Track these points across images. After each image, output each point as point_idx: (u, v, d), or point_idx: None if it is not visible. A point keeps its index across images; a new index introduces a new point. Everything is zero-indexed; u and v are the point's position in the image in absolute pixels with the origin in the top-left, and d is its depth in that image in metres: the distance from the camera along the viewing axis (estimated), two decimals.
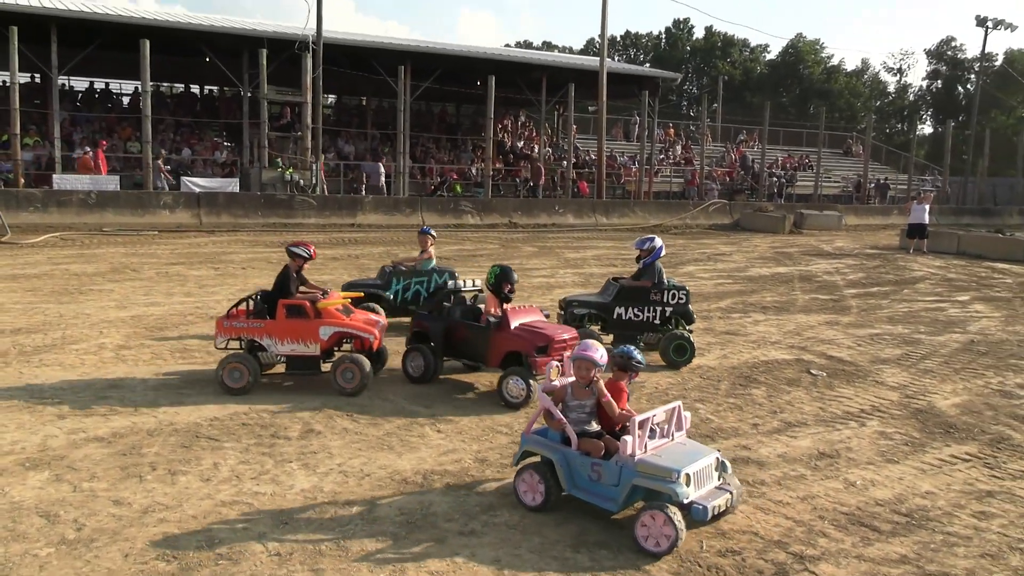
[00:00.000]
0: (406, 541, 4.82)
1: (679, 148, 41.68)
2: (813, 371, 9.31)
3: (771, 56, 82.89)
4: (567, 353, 6.76)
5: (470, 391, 8.00)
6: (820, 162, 39.92)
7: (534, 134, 39.71)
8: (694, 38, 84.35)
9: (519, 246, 21.63)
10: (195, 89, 37.59)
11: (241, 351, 7.82)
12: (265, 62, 24.82)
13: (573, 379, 5.49)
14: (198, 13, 34.27)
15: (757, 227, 30.19)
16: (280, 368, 8.15)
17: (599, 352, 5.35)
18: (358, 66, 29.70)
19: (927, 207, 25.01)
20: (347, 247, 19.80)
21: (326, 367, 7.85)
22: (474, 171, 32.60)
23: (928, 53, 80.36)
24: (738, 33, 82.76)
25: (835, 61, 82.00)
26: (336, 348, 8.10)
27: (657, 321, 9.51)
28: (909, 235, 24.71)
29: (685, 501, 4.79)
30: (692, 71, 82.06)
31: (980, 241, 25.17)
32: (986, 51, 52.32)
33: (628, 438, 4.95)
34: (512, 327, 7.73)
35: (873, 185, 42.03)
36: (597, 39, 34.04)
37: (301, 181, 25.40)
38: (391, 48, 30.61)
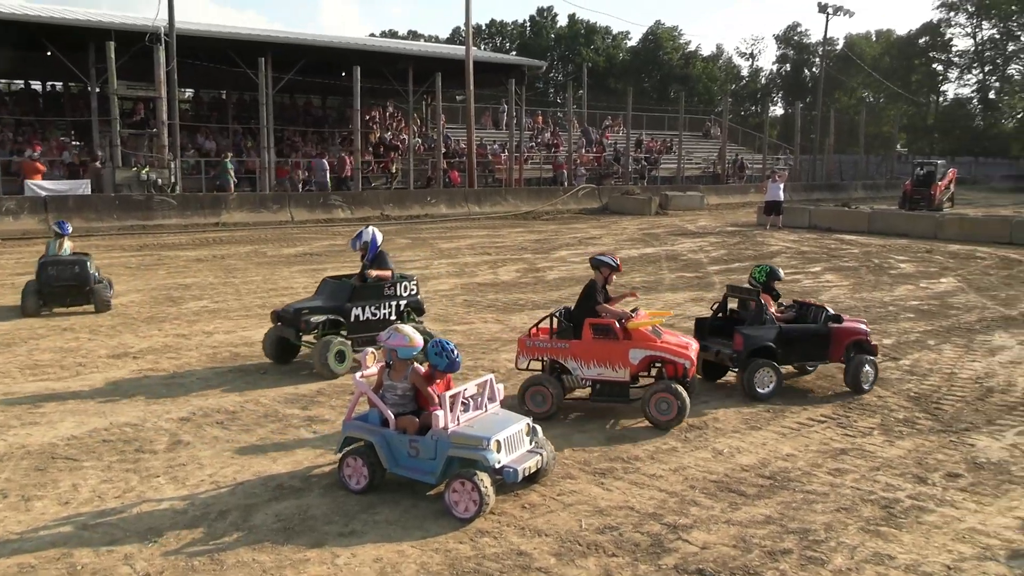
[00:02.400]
0: (285, 548, 4.71)
1: (547, 135, 42.24)
2: None
3: (632, 43, 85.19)
4: None
5: (350, 392, 7.87)
6: (682, 144, 41.33)
7: (403, 125, 39.33)
8: (558, 26, 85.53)
9: (392, 238, 21.39)
10: (36, 86, 35.19)
11: (542, 373, 7.18)
12: (113, 55, 23.47)
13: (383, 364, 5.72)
14: (35, 3, 31.91)
15: (625, 210, 31.00)
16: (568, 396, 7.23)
17: (397, 338, 5.52)
18: (215, 58, 28.54)
19: (781, 185, 26.33)
20: (212, 248, 19.07)
21: (635, 393, 7.05)
22: (334, 162, 31.97)
23: (776, 38, 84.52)
24: (600, 21, 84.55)
25: (692, 47, 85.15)
26: (645, 373, 7.22)
27: (393, 316, 8.74)
28: (765, 212, 25.96)
29: (497, 466, 5.09)
30: (557, 59, 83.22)
31: (829, 215, 26.74)
32: (828, 36, 55.44)
33: (440, 412, 5.18)
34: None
35: (734, 163, 43.85)
36: (463, 28, 33.99)
37: (159, 180, 24.22)
38: (250, 39, 29.56)
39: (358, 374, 5.68)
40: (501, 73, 37.32)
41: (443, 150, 32.78)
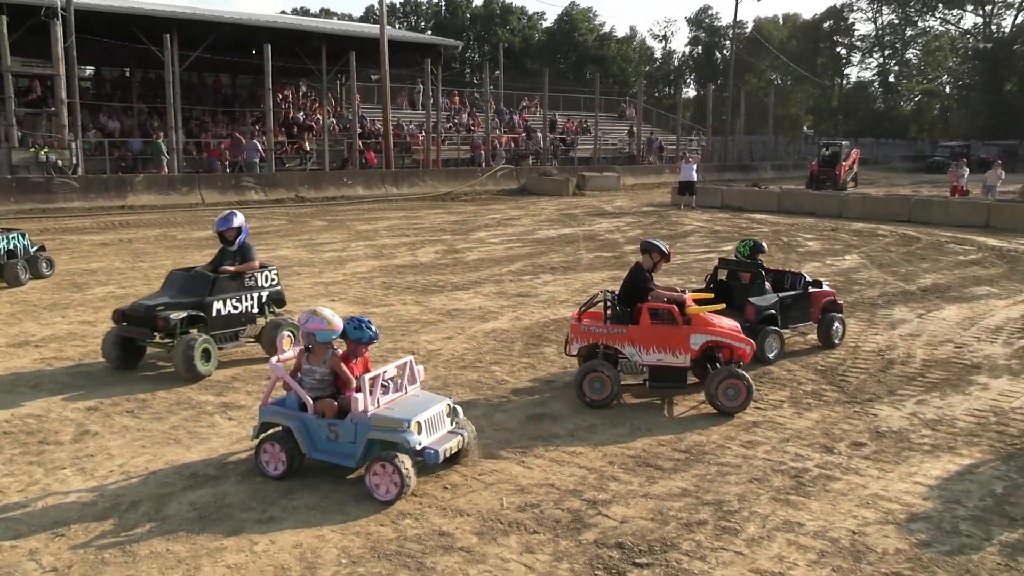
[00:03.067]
0: (200, 537, 4.59)
1: (464, 115, 42.05)
2: None
3: (548, 24, 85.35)
4: None
5: (266, 376, 7.70)
6: (598, 125, 41.75)
7: (317, 105, 38.55)
8: (473, 6, 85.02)
9: (308, 220, 21.05)
10: None
11: (598, 359, 6.95)
12: (5, 30, 22.27)
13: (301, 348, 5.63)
14: None
15: (543, 191, 31.18)
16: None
17: (315, 321, 5.46)
18: (118, 35, 27.35)
19: (694, 166, 26.88)
20: (118, 231, 18.38)
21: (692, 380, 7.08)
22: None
23: (688, 21, 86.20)
24: (516, 1, 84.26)
25: (607, 29, 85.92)
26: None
27: (255, 309, 8.34)
28: (679, 192, 26.48)
29: (418, 448, 5.09)
30: (473, 39, 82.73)
31: (740, 195, 27.46)
32: (738, 19, 56.74)
33: (359, 395, 5.15)
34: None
35: (649, 143, 44.50)
36: (377, 6, 33.43)
37: (59, 162, 23.16)
38: (154, 15, 28.38)
39: (274, 358, 5.57)
40: (417, 53, 36.91)
41: (359, 130, 32.31)
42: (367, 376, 5.22)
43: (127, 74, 36.63)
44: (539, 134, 39.94)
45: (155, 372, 7.71)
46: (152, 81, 34.12)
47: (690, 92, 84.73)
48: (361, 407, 5.14)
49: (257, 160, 28.93)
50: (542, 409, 6.80)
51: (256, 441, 5.44)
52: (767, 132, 52.40)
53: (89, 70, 38.51)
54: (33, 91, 27.76)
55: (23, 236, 12.42)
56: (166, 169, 26.35)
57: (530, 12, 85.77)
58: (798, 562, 4.41)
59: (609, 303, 7.13)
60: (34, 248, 12.55)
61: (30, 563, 4.30)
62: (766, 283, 8.61)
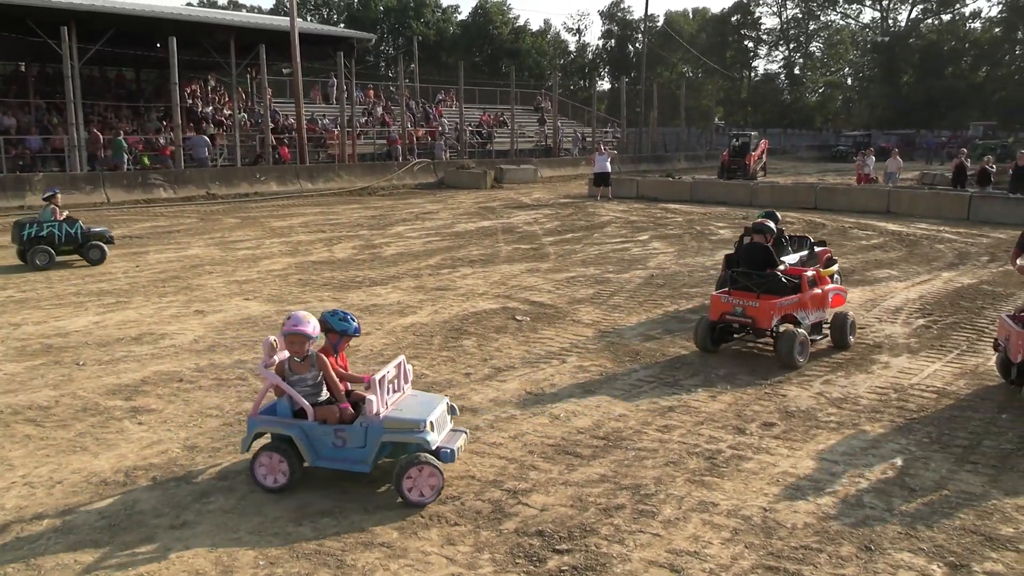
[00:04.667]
0: (110, 546, 4.44)
1: (380, 110, 41.61)
2: (518, 317, 9.85)
3: (462, 17, 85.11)
4: None
5: (178, 379, 7.49)
6: (514, 118, 41.88)
7: (227, 99, 37.53)
8: None
9: (220, 218, 20.52)
10: None
11: (795, 327, 7.91)
12: None
13: (287, 355, 5.29)
14: None
15: (461, 184, 31.13)
16: None
17: (311, 324, 5.21)
18: (10, 27, 26.09)
19: (608, 157, 27.22)
20: None
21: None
22: (162, 141, 30.22)
23: (601, 14, 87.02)
24: None
25: (521, 22, 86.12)
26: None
27: None
28: (595, 183, 26.81)
29: (434, 448, 4.99)
30: (387, 32, 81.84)
31: (655, 185, 27.98)
32: (649, 13, 57.72)
33: (373, 398, 4.96)
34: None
35: (576, 139, 44.88)
36: None
37: None
38: (48, 6, 27.13)
39: (262, 364, 5.24)
40: (329, 46, 36.35)
41: (271, 125, 31.63)
42: (377, 377, 5.01)
43: (22, 68, 34.99)
44: (447, 128, 39.82)
45: (59, 376, 7.41)
46: (50, 75, 32.68)
47: (604, 85, 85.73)
48: (375, 410, 4.95)
49: (206, 154, 28.68)
50: (461, 402, 6.79)
51: (248, 453, 5.18)
52: (680, 124, 53.55)
53: None
54: None
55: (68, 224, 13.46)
56: (125, 167, 25.97)
57: (444, 5, 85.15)
58: (712, 541, 4.53)
59: (753, 280, 8.13)
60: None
61: None
62: (788, 246, 9.95)
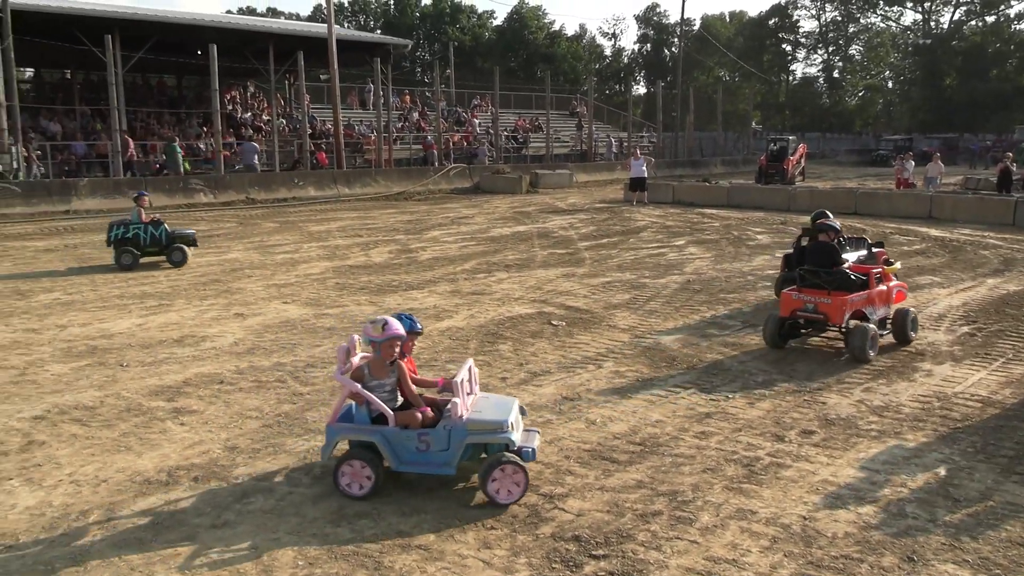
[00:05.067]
0: (153, 544, 4.53)
1: (415, 115, 41.87)
2: (554, 322, 9.85)
3: (498, 22, 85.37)
4: None
5: (219, 381, 7.60)
6: (549, 123, 41.89)
7: (266, 105, 38.05)
8: (423, 4, 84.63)
9: (259, 222, 20.79)
10: None
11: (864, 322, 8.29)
12: None
13: (365, 359, 5.32)
14: None
15: (496, 189, 31.19)
16: None
17: (400, 326, 5.24)
18: (57, 36, 26.71)
19: (644, 162, 27.10)
20: (62, 236, 17.97)
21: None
22: (203, 146, 30.71)
23: (637, 19, 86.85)
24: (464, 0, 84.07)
25: (557, 27, 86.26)
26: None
27: None
28: (631, 188, 26.70)
29: (516, 447, 5.06)
30: (423, 38, 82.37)
31: (691, 190, 27.79)
32: (685, 17, 57.42)
33: (457, 400, 5.03)
34: None
35: (611, 145, 44.78)
36: (324, 5, 33.10)
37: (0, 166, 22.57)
38: (94, 15, 27.77)
39: (338, 371, 5.23)
40: (366, 52, 36.67)
41: (309, 131, 31.98)
42: (457, 380, 5.10)
43: (68, 76, 35.80)
44: (484, 133, 39.92)
45: (104, 377, 7.55)
46: (95, 83, 33.41)
47: (640, 89, 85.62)
48: (459, 412, 5.03)
49: (255, 161, 29.33)
50: None
51: (329, 460, 5.19)
52: (716, 128, 53.11)
53: (28, 72, 37.55)
54: None
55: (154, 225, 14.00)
56: (182, 172, 26.62)
57: (480, 11, 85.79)
58: (751, 549, 4.49)
59: (821, 277, 8.41)
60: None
61: None
62: (847, 246, 10.00)
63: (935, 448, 5.94)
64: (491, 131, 40.07)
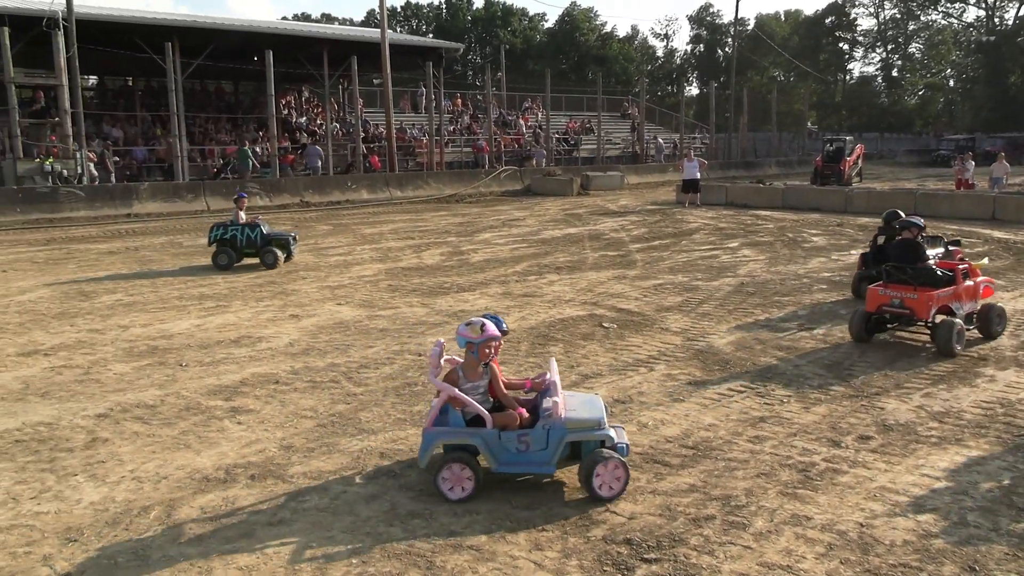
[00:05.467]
0: (211, 540, 4.63)
1: (467, 118, 42.11)
2: (605, 324, 9.82)
3: (549, 24, 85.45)
4: None
5: (275, 381, 7.74)
6: (600, 125, 41.76)
7: (320, 110, 38.64)
8: (474, 8, 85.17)
9: (313, 225, 21.11)
10: None
11: (951, 318, 8.40)
12: (8, 41, 22.43)
13: (452, 361, 5.43)
14: None
15: (547, 191, 31.19)
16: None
17: (500, 326, 5.37)
18: (119, 44, 27.50)
19: (697, 163, 26.84)
20: (124, 239, 18.47)
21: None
22: (259, 150, 31.31)
23: (690, 19, 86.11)
24: (516, 2, 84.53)
25: (608, 28, 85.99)
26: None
27: None
28: (683, 190, 26.46)
29: (613, 443, 5.16)
30: (475, 41, 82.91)
31: (745, 192, 27.44)
32: (739, 16, 56.73)
33: (557, 399, 5.12)
34: None
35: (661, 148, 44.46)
36: (377, 10, 33.48)
37: (65, 171, 23.29)
38: (154, 23, 28.55)
39: (432, 375, 5.31)
40: (418, 56, 37.03)
41: (362, 135, 32.41)
42: (555, 379, 5.25)
43: (130, 83, 36.80)
44: (541, 134, 39.92)
45: (164, 376, 7.75)
46: (155, 89, 34.27)
47: (693, 90, 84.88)
48: (560, 412, 5.11)
49: (319, 164, 30.16)
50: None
51: (428, 466, 5.18)
52: (771, 129, 52.34)
53: (92, 79, 38.70)
54: (36, 102, 27.98)
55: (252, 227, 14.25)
56: (249, 175, 27.45)
57: (531, 13, 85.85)
58: (806, 555, 4.42)
59: (906, 274, 8.64)
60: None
61: (44, 568, 4.34)
62: (925, 243, 9.85)
63: (998, 456, 5.78)
64: (540, 131, 40.06)
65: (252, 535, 4.69)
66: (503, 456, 5.13)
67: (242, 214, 14.46)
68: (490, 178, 31.89)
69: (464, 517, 4.88)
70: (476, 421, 5.20)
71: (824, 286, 12.30)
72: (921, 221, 9.23)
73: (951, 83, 79.29)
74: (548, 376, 5.36)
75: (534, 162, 36.58)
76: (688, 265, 14.30)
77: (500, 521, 4.83)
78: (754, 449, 5.91)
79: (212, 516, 4.91)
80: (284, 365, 8.16)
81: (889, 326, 9.00)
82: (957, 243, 10.63)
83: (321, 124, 35.60)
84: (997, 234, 17.90)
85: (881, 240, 11.21)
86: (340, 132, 35.35)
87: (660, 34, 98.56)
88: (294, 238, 14.72)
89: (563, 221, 21.76)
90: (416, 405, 6.90)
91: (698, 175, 26.34)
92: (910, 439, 6.09)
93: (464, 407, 5.21)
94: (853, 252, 15.63)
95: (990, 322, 8.83)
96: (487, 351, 5.27)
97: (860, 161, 37.19)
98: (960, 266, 8.87)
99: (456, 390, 5.19)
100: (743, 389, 7.34)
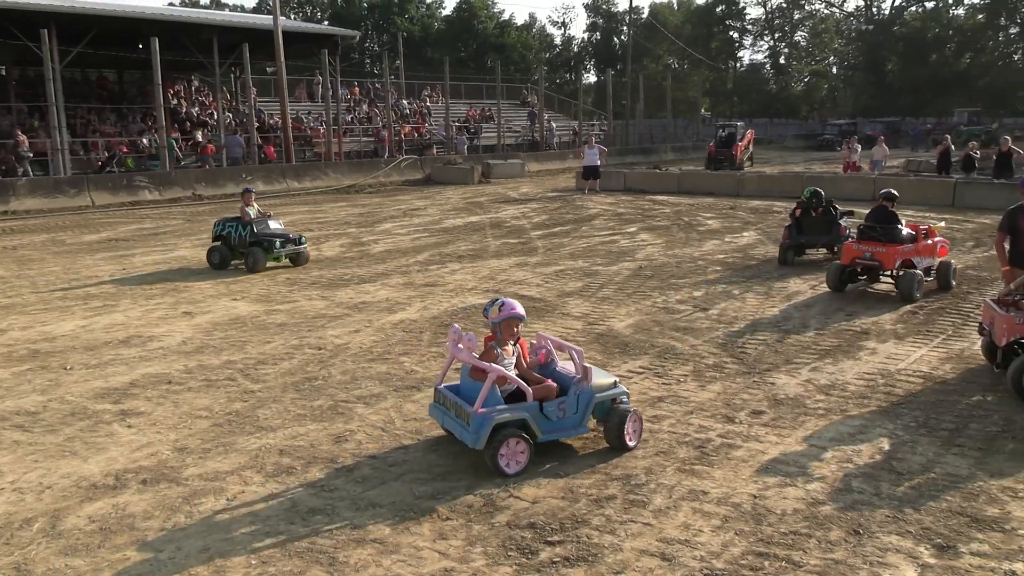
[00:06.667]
0: (100, 549, 4.44)
1: (365, 106, 41.47)
2: None
3: (447, 12, 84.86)
4: None
5: (167, 381, 7.47)
6: (500, 113, 41.82)
7: (211, 99, 37.33)
8: None
9: (206, 219, 20.40)
10: None
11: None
12: None
13: (472, 342, 5.59)
14: None
15: (448, 180, 31.08)
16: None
17: (516, 303, 5.60)
18: None
19: (597, 150, 27.20)
20: (0, 238, 17.45)
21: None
22: (146, 142, 30.04)
23: (586, 7, 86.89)
24: None
25: (506, 16, 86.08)
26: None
27: None
28: (584, 177, 26.79)
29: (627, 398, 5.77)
30: (371, 28, 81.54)
31: (642, 177, 27.99)
32: (634, 5, 57.71)
33: (588, 365, 5.58)
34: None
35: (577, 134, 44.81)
36: None
37: None
38: (28, 9, 26.94)
39: (470, 356, 5.51)
40: (313, 43, 36.19)
41: (256, 124, 31.50)
42: (580, 349, 5.63)
43: (3, 72, 34.70)
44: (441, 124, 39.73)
45: (47, 381, 7.37)
46: (31, 79, 32.41)
47: (590, 78, 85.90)
48: (591, 378, 5.53)
49: (240, 155, 29.31)
50: None
51: (487, 447, 5.22)
52: (666, 115, 53.56)
53: None
54: None
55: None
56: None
57: (428, 0, 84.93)
58: (703, 529, 4.56)
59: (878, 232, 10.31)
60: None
61: None
62: (836, 213, 12.73)
63: (879, 424, 6.09)
64: (438, 122, 39.86)
65: (144, 542, 4.51)
66: (544, 425, 5.41)
67: (249, 209, 13.52)
68: (390, 168, 31.54)
69: (367, 511, 4.83)
70: (514, 397, 5.43)
71: (719, 268, 12.68)
72: (896, 193, 10.91)
73: (834, 70, 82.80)
74: (548, 347, 5.87)
75: (436, 151, 36.31)
76: (588, 251, 14.50)
77: (403, 512, 4.80)
78: (653, 428, 6.05)
79: (101, 525, 4.71)
80: (177, 364, 7.88)
81: (860, 278, 10.60)
82: (851, 213, 12.97)
83: (212, 114, 34.41)
84: None
85: (798, 213, 12.97)
86: (233, 122, 34.26)
87: (557, 22, 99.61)
88: (296, 239, 13.43)
89: (464, 210, 21.73)
90: (316, 400, 6.78)
91: (598, 162, 26.69)
92: (799, 412, 6.35)
93: (506, 383, 5.43)
94: (745, 234, 16.18)
95: (947, 275, 10.57)
96: (510, 329, 5.58)
97: (751, 146, 38.43)
98: (921, 227, 10.56)
99: (502, 369, 5.39)
100: (642, 370, 7.50)
